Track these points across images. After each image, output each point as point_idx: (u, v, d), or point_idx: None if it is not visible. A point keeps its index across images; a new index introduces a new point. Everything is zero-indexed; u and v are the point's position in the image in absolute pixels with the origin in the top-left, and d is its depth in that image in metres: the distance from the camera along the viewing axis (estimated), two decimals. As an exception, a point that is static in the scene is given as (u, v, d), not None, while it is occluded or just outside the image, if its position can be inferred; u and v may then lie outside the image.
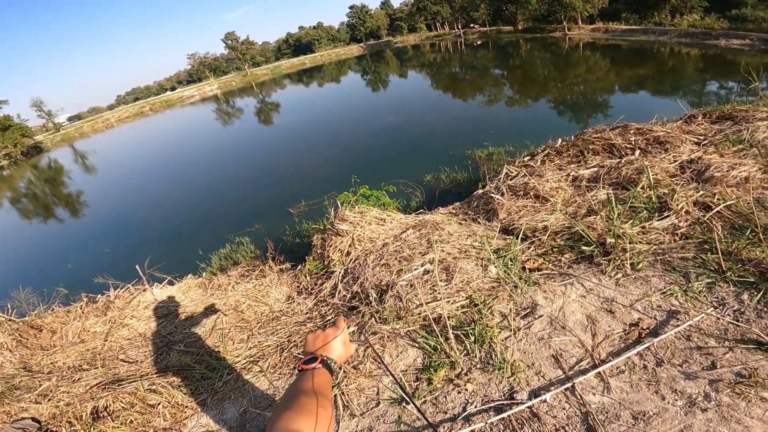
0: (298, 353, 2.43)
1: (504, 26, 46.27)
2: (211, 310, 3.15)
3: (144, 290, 3.54)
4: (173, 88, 75.42)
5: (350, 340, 1.04)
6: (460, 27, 52.28)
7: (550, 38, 33.02)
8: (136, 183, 14.44)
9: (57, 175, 23.59)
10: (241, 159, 14.26)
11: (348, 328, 1.05)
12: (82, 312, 3.30)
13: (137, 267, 3.59)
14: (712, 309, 1.93)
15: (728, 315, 1.88)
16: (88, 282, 3.91)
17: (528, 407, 1.66)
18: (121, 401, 2.17)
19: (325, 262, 3.29)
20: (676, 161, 3.41)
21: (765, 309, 1.87)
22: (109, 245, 8.15)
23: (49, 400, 2.29)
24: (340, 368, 0.98)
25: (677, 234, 2.50)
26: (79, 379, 2.48)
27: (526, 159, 4.69)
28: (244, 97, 41.35)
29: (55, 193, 18.31)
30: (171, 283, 3.81)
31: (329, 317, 2.81)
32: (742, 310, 1.89)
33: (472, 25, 53.16)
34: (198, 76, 73.14)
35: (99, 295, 3.55)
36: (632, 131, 4.25)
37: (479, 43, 41.80)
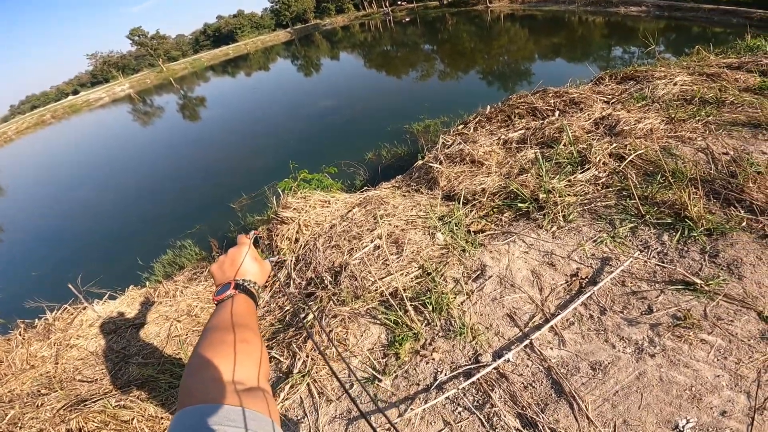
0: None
1: (430, 1, 46.74)
2: (162, 318, 2.96)
3: (84, 308, 3.27)
4: (76, 92, 66.22)
5: (263, 258, 0.92)
6: (387, 5, 51.89)
7: (473, 11, 34.04)
8: (54, 197, 12.81)
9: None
10: (170, 158, 13.19)
11: (257, 245, 0.93)
12: (23, 338, 3.03)
13: (70, 285, 3.29)
14: (639, 252, 2.04)
15: (654, 257, 1.99)
16: (20, 308, 3.56)
17: (494, 368, 1.71)
18: (93, 421, 2.04)
19: (275, 253, 3.20)
20: (590, 119, 3.70)
21: (685, 248, 1.99)
22: (35, 267, 7.34)
23: (20, 428, 2.12)
24: (263, 289, 0.84)
25: (598, 184, 2.71)
26: (42, 404, 2.31)
27: (460, 127, 4.84)
28: (162, 95, 37.96)
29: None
30: (112, 298, 3.53)
31: (287, 308, 2.75)
32: (665, 251, 2.01)
33: (399, 2, 52.98)
34: (104, 76, 65.28)
35: (36, 320, 3.25)
36: (551, 95, 4.55)
37: (408, 19, 41.90)
